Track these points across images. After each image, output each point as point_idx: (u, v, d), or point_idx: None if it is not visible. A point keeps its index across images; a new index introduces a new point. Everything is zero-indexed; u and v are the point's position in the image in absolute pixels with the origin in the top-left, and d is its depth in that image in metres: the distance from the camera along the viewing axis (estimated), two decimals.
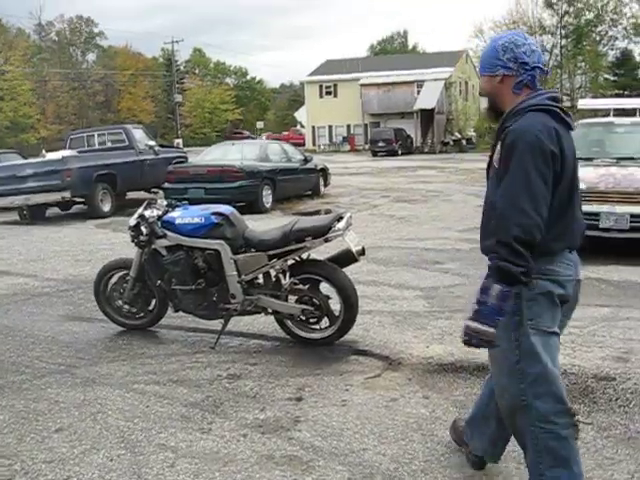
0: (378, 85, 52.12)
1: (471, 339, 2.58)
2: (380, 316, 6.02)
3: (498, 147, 2.68)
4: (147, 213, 5.45)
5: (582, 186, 8.42)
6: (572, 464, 2.78)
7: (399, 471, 3.41)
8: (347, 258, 5.24)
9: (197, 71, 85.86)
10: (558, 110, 2.69)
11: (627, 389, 4.34)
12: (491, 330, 2.54)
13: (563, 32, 64.77)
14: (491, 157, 2.78)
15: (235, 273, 5.23)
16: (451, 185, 19.55)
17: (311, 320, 5.27)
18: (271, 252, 5.18)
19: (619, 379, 4.48)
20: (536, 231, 2.52)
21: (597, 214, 8.42)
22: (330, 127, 55.73)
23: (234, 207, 5.68)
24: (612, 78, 64.83)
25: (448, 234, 10.60)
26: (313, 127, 57.16)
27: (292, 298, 5.26)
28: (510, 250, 2.49)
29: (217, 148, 17.15)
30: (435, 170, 26.93)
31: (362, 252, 5.23)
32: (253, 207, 13.73)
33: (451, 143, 48.32)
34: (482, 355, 4.87)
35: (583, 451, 3.58)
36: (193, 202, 6.03)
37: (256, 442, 3.76)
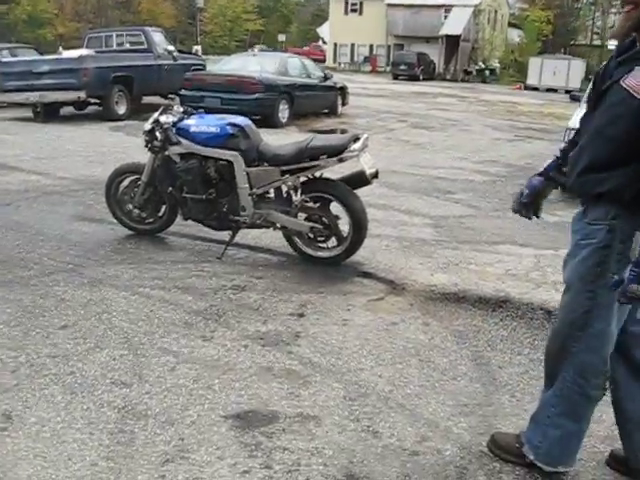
0: (405, 6, 50.77)
1: (633, 301, 2.34)
2: (387, 240, 6.03)
3: (634, 75, 2.30)
4: (162, 119, 5.40)
5: None
6: (582, 421, 2.75)
7: (393, 393, 3.47)
8: (360, 180, 5.21)
9: None
10: None
11: None
12: None
13: None
14: (618, 79, 2.37)
15: (247, 186, 5.21)
16: (470, 115, 19.28)
17: (319, 239, 5.29)
18: (284, 167, 5.14)
19: None
20: None
21: None
22: (352, 45, 54.63)
23: (250, 119, 5.62)
24: None
25: (463, 164, 10.51)
26: (335, 44, 56.04)
27: (302, 215, 5.25)
28: None
29: (236, 58, 16.86)
30: (455, 99, 26.50)
31: (375, 175, 5.20)
32: (269, 121, 13.57)
33: (474, 72, 47.43)
34: (485, 288, 4.93)
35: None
36: (209, 111, 5.98)
37: (256, 353, 3.83)
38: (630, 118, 2.31)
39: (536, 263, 5.68)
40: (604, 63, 2.56)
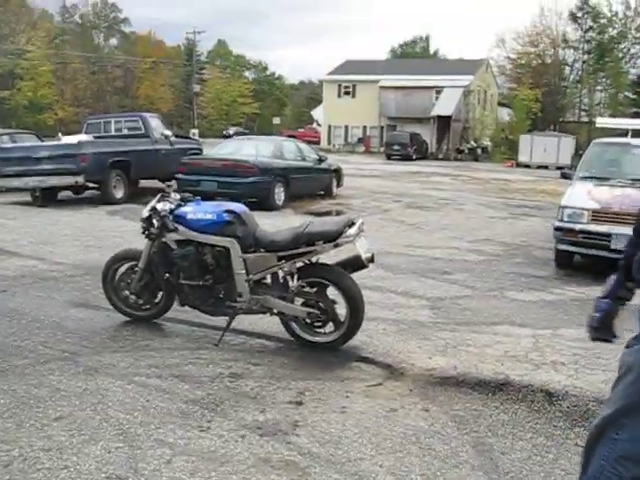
0: (397, 88, 52.03)
1: None
2: (385, 324, 6.01)
3: None
4: (160, 206, 5.46)
5: (595, 206, 8.52)
6: None
7: None
8: (356, 264, 5.24)
9: (218, 62, 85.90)
10: None
11: None
12: None
13: (586, 47, 64.62)
14: None
15: (243, 272, 5.23)
16: (464, 194, 19.51)
17: (316, 324, 5.27)
18: (281, 253, 5.18)
19: None
20: None
21: (609, 235, 8.39)
22: (346, 127, 55.72)
23: (246, 203, 5.70)
24: (632, 96, 64.55)
25: (458, 244, 10.59)
26: (329, 126, 57.14)
27: (298, 300, 5.26)
28: None
29: (232, 142, 17.17)
30: (449, 177, 26.86)
31: (371, 259, 5.23)
32: (265, 204, 13.70)
33: (466, 151, 48.22)
34: (484, 370, 4.90)
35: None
36: (205, 195, 6.05)
37: (254, 444, 3.76)
38: None
39: (534, 343, 5.66)
40: None
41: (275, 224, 5.64)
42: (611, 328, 2.77)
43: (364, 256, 5.15)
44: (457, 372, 4.87)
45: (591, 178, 9.74)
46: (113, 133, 16.86)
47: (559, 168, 26.81)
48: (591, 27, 63.23)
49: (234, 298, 5.29)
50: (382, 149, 47.84)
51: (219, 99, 73.16)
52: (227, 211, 5.32)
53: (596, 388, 4.67)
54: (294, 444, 3.77)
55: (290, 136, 25.06)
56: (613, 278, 2.74)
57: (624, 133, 12.49)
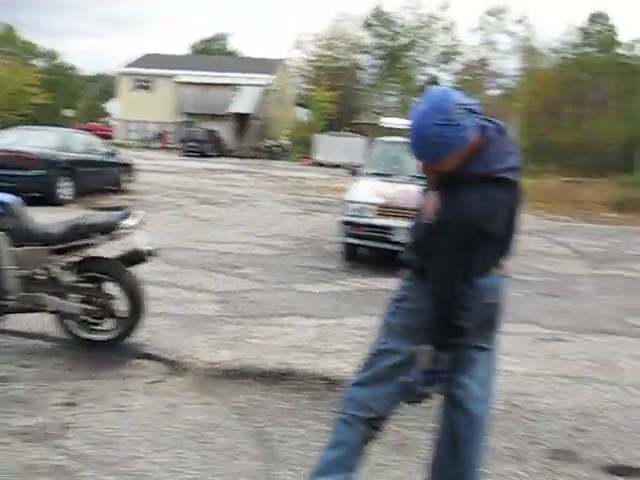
0: (195, 84, 51.48)
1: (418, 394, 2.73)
2: (170, 319, 5.86)
3: (434, 196, 2.60)
4: None
5: (380, 200, 8.88)
6: None
7: None
8: (135, 258, 5.05)
9: (3, 49, 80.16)
10: (500, 177, 2.56)
11: None
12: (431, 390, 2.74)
13: (379, 53, 67.83)
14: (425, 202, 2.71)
15: (13, 267, 4.85)
16: (260, 191, 19.68)
17: (94, 320, 5.01)
18: (55, 247, 4.86)
19: None
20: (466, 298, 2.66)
21: (391, 228, 8.79)
22: (143, 122, 54.26)
23: (29, 197, 5.29)
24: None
25: (250, 239, 10.62)
26: (125, 120, 55.34)
27: (75, 297, 4.96)
28: (447, 318, 2.63)
29: (14, 132, 16.01)
30: (245, 175, 26.99)
31: (152, 253, 5.06)
32: (50, 198, 12.95)
33: (264, 149, 48.79)
34: (268, 361, 4.91)
35: None
36: None
37: (20, 451, 3.49)
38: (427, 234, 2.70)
39: (319, 333, 5.77)
40: None
41: (60, 220, 5.26)
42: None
43: (143, 249, 4.97)
44: (241, 364, 4.84)
45: (375, 175, 10.17)
46: None
47: (353, 167, 27.86)
48: (384, 35, 66.43)
49: (2, 296, 4.89)
50: (179, 145, 47.10)
51: (4, 87, 68.36)
52: None
53: None
54: (64, 448, 3.54)
55: (82, 129, 23.79)
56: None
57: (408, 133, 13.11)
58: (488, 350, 2.91)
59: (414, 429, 4.07)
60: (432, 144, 2.44)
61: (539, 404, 4.60)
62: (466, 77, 70.62)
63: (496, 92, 64.97)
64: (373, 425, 2.90)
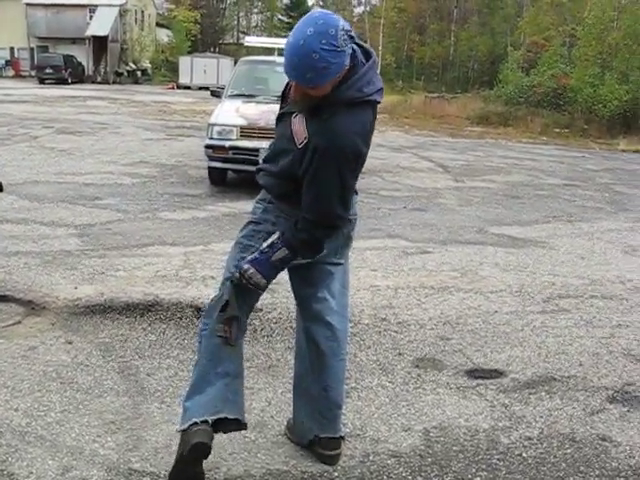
0: (46, 6, 48.16)
1: (242, 281, 2.66)
2: (27, 257, 5.55)
3: (303, 126, 2.54)
4: None
5: (243, 122, 8.73)
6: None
7: (31, 426, 3.14)
8: None
9: None
10: (371, 100, 2.57)
11: (272, 319, 4.52)
12: (264, 281, 2.66)
13: None
14: (289, 123, 2.61)
15: None
16: (122, 117, 18.93)
17: None
18: None
19: (265, 309, 4.65)
20: (343, 222, 2.70)
21: (257, 150, 8.66)
22: None
23: None
24: (287, 20, 67.52)
25: (112, 168, 10.20)
26: None
27: None
28: (319, 239, 2.64)
29: None
30: (106, 101, 25.85)
31: (0, 188, 4.74)
32: None
33: (125, 74, 46.83)
34: (133, 293, 4.78)
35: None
36: None
37: None
38: (295, 161, 2.63)
39: (185, 261, 5.67)
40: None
41: None
42: None
43: None
44: (104, 299, 4.66)
45: (239, 96, 9.93)
46: None
47: (219, 89, 27.19)
48: None
49: None
50: (34, 73, 44.36)
51: None
52: None
53: None
54: None
55: None
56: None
57: (272, 52, 12.89)
58: (343, 264, 2.92)
59: (282, 350, 4.09)
60: (315, 68, 2.35)
61: (404, 316, 4.73)
62: None
63: (361, 9, 64.87)
64: (228, 323, 2.78)
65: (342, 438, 3.05)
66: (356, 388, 3.69)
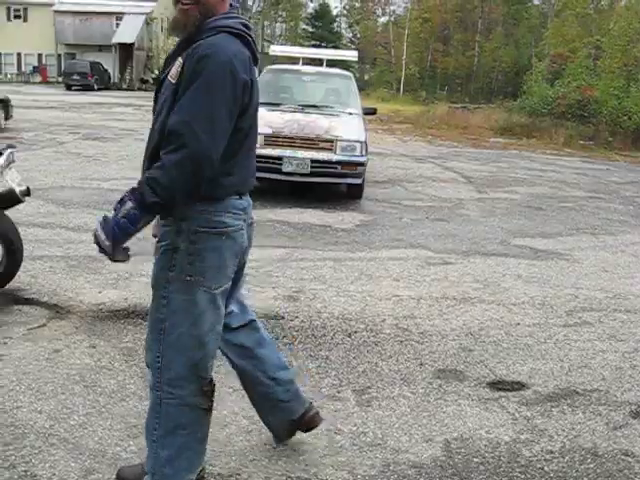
0: (74, 13, 48.80)
1: (96, 241, 2.36)
2: (52, 261, 5.62)
3: (179, 61, 2.35)
4: None
5: (268, 130, 8.77)
6: (194, 431, 2.62)
7: (55, 428, 3.18)
8: (10, 199, 4.76)
9: None
10: (250, 40, 2.49)
11: (294, 327, 4.54)
12: (108, 242, 2.32)
13: None
14: (167, 74, 2.42)
15: None
16: (147, 124, 18.92)
17: None
18: None
19: (287, 317, 4.68)
20: (207, 164, 2.26)
21: (280, 158, 8.72)
22: (19, 55, 51.19)
23: None
24: (310, 29, 67.82)
25: (136, 174, 10.14)
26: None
27: None
28: (168, 179, 2.23)
29: None
30: (131, 108, 26.08)
31: (27, 192, 4.79)
32: None
33: (150, 81, 47.18)
34: None
35: (240, 396, 3.65)
36: None
37: None
38: (168, 105, 2.35)
39: None
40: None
41: None
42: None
43: (17, 189, 4.69)
44: (128, 304, 4.73)
45: (264, 104, 9.95)
46: None
47: None
48: None
49: None
50: (61, 79, 44.89)
51: None
52: None
53: (266, 305, 4.86)
54: None
55: None
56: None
57: (296, 62, 12.97)
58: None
59: (304, 358, 4.11)
60: None
61: (426, 326, 4.72)
62: (356, 3, 70.27)
63: (385, 19, 64.96)
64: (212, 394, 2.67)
65: (311, 404, 3.10)
66: (377, 397, 3.69)
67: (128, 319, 4.51)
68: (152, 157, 2.39)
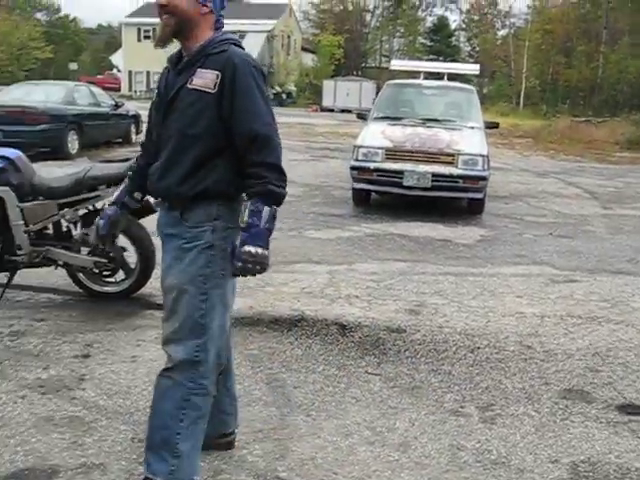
0: None
1: (247, 264, 2.49)
2: None
3: (213, 72, 2.51)
4: None
5: (389, 144, 8.82)
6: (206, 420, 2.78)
7: None
8: (144, 208, 4.97)
9: (3, 2, 79.00)
10: None
11: (416, 340, 4.53)
12: (266, 252, 2.52)
13: None
14: (185, 83, 2.57)
15: (22, 222, 4.83)
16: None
17: (105, 273, 5.03)
18: (62, 200, 4.84)
19: (409, 331, 4.67)
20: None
21: (401, 172, 8.73)
22: (148, 73, 53.69)
23: (36, 152, 5.25)
24: (428, 43, 67.56)
25: None
26: (130, 72, 54.88)
27: (84, 250, 4.97)
28: (279, 172, 2.52)
29: (18, 88, 15.89)
30: None
31: (159, 203, 5.01)
32: (57, 152, 12.90)
33: (271, 96, 48.36)
34: (280, 308, 4.93)
35: (369, 402, 3.70)
36: None
37: (35, 403, 3.53)
38: (209, 112, 2.53)
39: (330, 279, 5.78)
40: (161, 76, 2.75)
41: (67, 173, 5.24)
42: (113, 237, 3.26)
43: (152, 200, 4.91)
44: (253, 312, 4.86)
45: (385, 118, 10.05)
46: None
47: (365, 111, 27.53)
48: None
49: (13, 251, 4.88)
50: None
51: (7, 43, 67.64)
52: None
53: (387, 317, 4.86)
54: (79, 399, 3.58)
55: (88, 82, 23.61)
56: (123, 187, 3.04)
57: (417, 76, 12.97)
58: None
59: (426, 372, 4.10)
60: None
61: (551, 345, 4.60)
62: (475, 17, 69.35)
63: (505, 31, 63.70)
64: None
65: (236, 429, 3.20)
66: (501, 415, 3.64)
67: (253, 327, 4.65)
68: (197, 164, 2.57)
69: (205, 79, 2.51)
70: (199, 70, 2.53)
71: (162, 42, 2.63)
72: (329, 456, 3.16)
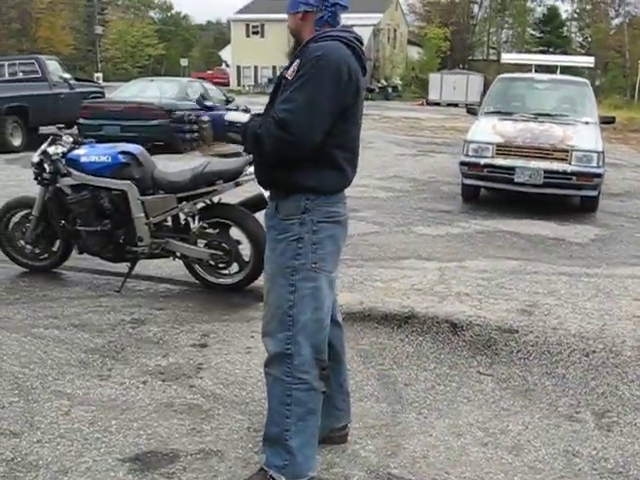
0: None
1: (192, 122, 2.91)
2: None
3: (296, 62, 2.62)
4: (50, 150, 5.19)
5: (500, 140, 8.63)
6: (318, 415, 2.80)
7: None
8: (259, 202, 5.11)
9: (120, 2, 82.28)
10: (361, 52, 2.73)
11: (528, 342, 4.43)
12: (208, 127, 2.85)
13: None
14: (282, 73, 2.73)
15: (143, 215, 5.05)
16: (374, 132, 19.48)
17: (220, 265, 5.17)
18: (180, 194, 5.02)
19: (521, 331, 4.57)
20: (303, 149, 2.55)
21: (512, 168, 8.54)
22: (255, 68, 54.67)
23: (152, 146, 5.47)
24: (538, 34, 65.67)
25: (367, 182, 10.56)
26: (238, 67, 55.99)
27: (201, 242, 5.14)
28: (277, 138, 2.54)
29: (135, 84, 16.54)
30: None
31: (271, 197, 5.11)
32: (171, 147, 13.35)
33: (377, 90, 48.18)
34: (390, 304, 4.93)
35: (481, 402, 3.66)
36: (109, 139, 5.79)
37: (156, 389, 3.68)
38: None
39: (440, 276, 5.72)
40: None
41: (184, 168, 5.43)
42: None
43: (267, 194, 5.02)
44: (363, 307, 4.87)
45: (496, 113, 9.86)
46: (7, 77, 15.94)
47: (476, 106, 27.01)
48: None
49: (134, 243, 5.11)
50: None
51: (123, 41, 70.45)
52: (122, 152, 5.10)
53: (498, 317, 4.77)
54: (197, 387, 3.72)
55: (198, 78, 24.31)
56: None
57: (529, 69, 12.65)
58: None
59: (539, 375, 4.02)
60: None
61: None
62: (587, 6, 66.80)
63: (619, 20, 61.07)
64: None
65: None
66: (618, 423, 3.52)
67: (364, 322, 4.67)
68: (278, 164, 2.70)
69: (291, 69, 2.63)
70: (296, 60, 2.66)
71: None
72: (441, 455, 3.15)
